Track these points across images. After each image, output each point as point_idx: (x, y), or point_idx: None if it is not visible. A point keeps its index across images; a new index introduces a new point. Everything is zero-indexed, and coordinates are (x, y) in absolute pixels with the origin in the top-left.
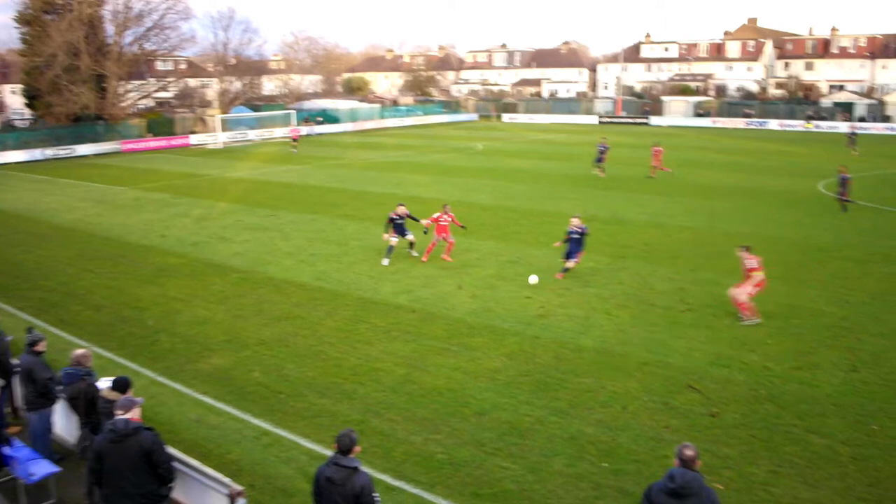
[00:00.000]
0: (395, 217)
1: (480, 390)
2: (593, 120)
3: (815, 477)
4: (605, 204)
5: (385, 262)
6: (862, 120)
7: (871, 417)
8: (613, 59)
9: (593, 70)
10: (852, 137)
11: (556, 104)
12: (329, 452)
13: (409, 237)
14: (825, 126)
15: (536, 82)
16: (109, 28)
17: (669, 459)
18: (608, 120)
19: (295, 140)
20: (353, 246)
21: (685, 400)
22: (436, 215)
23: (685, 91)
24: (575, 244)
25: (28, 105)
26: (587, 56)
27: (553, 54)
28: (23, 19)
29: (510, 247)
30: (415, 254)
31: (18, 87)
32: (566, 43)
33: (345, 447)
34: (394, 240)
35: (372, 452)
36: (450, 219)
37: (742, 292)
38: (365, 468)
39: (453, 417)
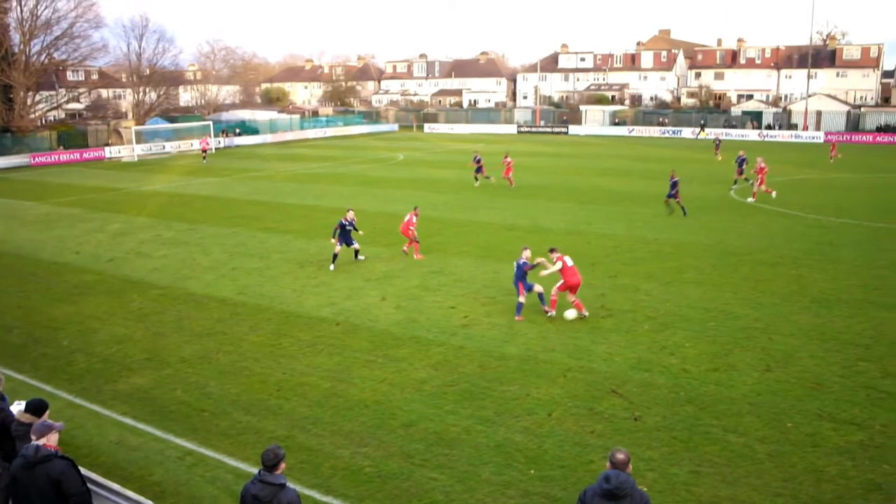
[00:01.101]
0: (345, 222)
1: (407, 402)
2: (513, 129)
3: (734, 475)
4: (524, 212)
5: (331, 267)
6: (769, 127)
7: (785, 415)
8: (532, 68)
9: (512, 80)
10: (717, 144)
11: (476, 114)
12: (255, 470)
13: (355, 245)
14: (735, 133)
15: (456, 92)
16: (15, 36)
17: (595, 464)
18: (527, 129)
19: (204, 151)
20: (276, 259)
21: (609, 405)
22: (407, 217)
23: (601, 100)
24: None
25: None
26: (506, 66)
27: (472, 64)
28: None
29: (433, 257)
30: (361, 258)
31: None
32: (484, 53)
33: (269, 462)
34: (338, 247)
35: (299, 468)
36: (413, 221)
37: (553, 291)
38: (293, 484)
39: (380, 430)
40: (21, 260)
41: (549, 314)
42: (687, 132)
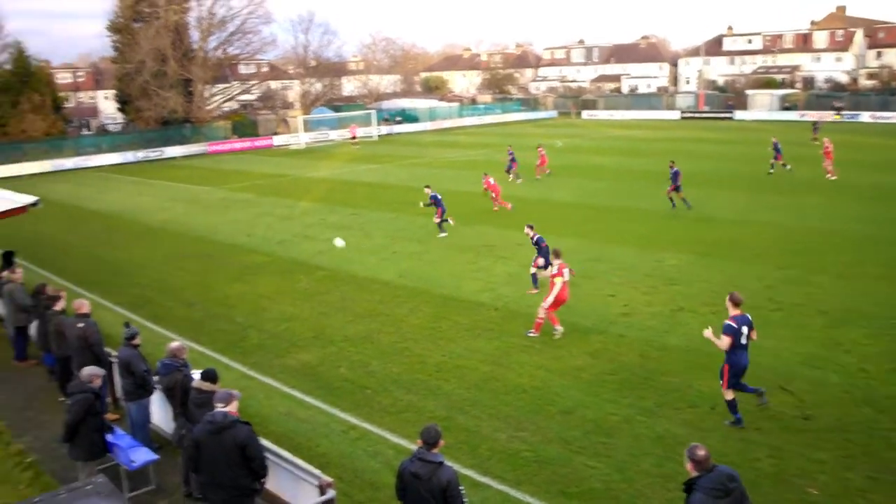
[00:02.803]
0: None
1: (565, 388)
2: (675, 115)
3: None
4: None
5: (451, 221)
6: None
7: None
8: (695, 52)
9: (674, 64)
10: (816, 127)
11: (636, 100)
12: (415, 447)
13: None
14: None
15: (616, 78)
16: (194, 34)
17: (761, 462)
18: (690, 115)
19: (354, 138)
20: (435, 244)
21: (776, 401)
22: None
23: (770, 84)
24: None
25: (120, 110)
26: (667, 50)
27: (632, 49)
28: (114, 28)
29: (592, 244)
30: (443, 233)
31: (111, 92)
32: (645, 37)
33: (430, 440)
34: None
35: (458, 448)
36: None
37: (541, 308)
38: (450, 463)
39: (538, 415)
40: (200, 241)
41: (531, 334)
42: (865, 116)
